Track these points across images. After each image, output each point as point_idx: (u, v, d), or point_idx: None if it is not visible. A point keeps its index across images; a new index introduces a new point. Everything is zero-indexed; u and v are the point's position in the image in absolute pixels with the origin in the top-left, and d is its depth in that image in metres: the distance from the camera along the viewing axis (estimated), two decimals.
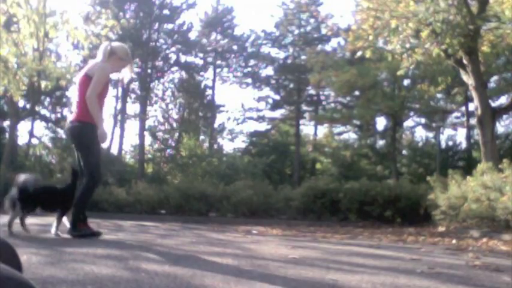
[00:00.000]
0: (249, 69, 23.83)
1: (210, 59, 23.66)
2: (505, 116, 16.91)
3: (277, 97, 23.45)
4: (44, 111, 19.18)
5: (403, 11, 8.52)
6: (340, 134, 23.24)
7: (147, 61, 20.54)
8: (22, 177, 3.64)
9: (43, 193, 3.77)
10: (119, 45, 3.97)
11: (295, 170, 20.79)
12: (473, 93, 8.77)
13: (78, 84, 3.82)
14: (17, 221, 3.69)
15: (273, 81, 23.35)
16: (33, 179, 3.70)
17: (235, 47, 23.49)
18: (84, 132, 3.70)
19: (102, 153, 3.82)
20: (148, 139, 22.48)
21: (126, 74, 4.08)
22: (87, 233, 3.67)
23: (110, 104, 20.65)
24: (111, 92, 20.76)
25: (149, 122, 22.59)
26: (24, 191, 3.58)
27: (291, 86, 22.80)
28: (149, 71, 20.90)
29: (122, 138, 19.72)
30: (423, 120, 20.19)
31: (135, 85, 21.19)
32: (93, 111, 3.65)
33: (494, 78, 15.85)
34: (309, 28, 22.78)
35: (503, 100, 15.06)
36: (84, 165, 3.71)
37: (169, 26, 21.48)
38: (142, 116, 20.31)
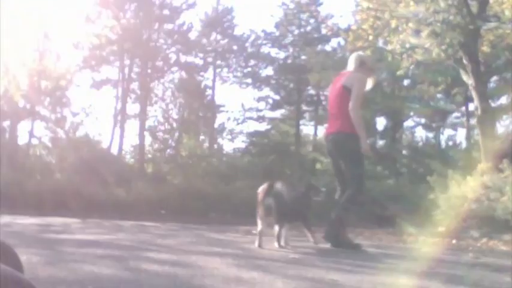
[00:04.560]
0: (249, 69, 23.75)
1: (210, 59, 23.62)
2: (505, 116, 16.87)
3: (277, 97, 23.38)
4: (44, 111, 19.14)
5: (403, 11, 8.51)
6: None
7: (147, 61, 20.51)
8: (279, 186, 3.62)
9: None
10: (368, 56, 4.30)
11: (295, 170, 20.75)
12: (473, 93, 8.75)
13: (336, 96, 3.95)
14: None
15: (273, 81, 23.28)
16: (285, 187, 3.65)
17: (235, 47, 23.44)
18: (350, 144, 3.77)
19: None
20: (148, 139, 22.44)
21: (369, 83, 4.18)
22: (346, 243, 3.69)
23: (110, 104, 20.63)
24: (112, 91, 20.77)
25: (149, 122, 22.54)
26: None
27: (291, 86, 22.75)
28: (149, 71, 20.87)
29: (122, 138, 19.66)
30: (423, 120, 20.16)
31: (135, 85, 21.16)
32: (357, 123, 3.74)
33: (494, 78, 15.82)
34: (309, 28, 22.73)
35: (503, 100, 15.05)
36: (350, 177, 3.78)
37: (169, 26, 21.45)
38: (142, 116, 20.28)
